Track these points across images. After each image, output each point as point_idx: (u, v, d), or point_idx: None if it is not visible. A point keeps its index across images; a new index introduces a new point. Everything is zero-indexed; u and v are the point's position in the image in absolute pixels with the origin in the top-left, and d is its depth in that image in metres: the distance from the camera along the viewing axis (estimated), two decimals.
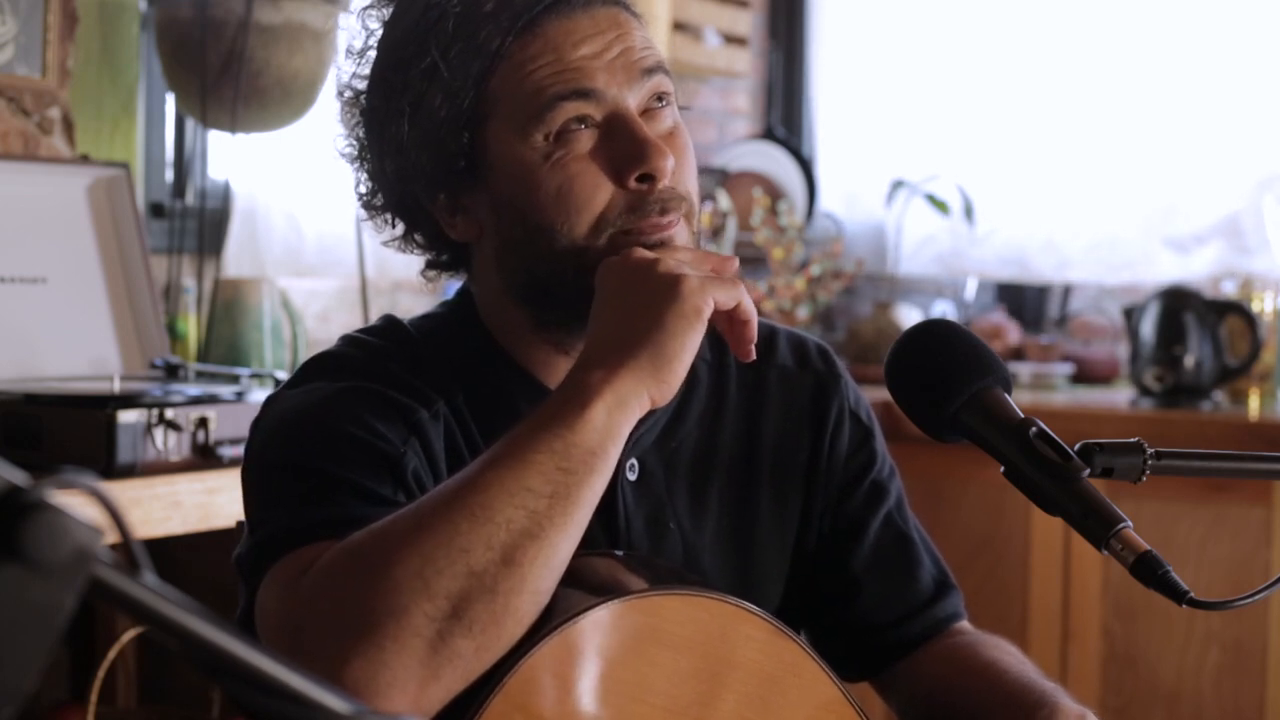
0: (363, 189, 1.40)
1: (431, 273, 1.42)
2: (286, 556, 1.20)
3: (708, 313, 1.23)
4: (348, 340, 1.40)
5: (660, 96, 1.32)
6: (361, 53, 1.37)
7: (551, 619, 1.17)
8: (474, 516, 1.14)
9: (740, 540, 1.44)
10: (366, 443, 1.26)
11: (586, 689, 1.17)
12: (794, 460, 1.47)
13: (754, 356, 1.28)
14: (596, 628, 1.17)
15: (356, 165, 1.40)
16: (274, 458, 1.29)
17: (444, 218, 1.36)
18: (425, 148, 1.32)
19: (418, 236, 1.40)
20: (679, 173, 1.31)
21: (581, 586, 1.21)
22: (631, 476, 1.38)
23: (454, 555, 1.13)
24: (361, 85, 1.37)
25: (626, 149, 1.29)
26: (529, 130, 1.29)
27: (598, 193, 1.29)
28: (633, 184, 1.29)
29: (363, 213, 1.42)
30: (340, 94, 1.39)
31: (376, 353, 1.36)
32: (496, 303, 1.38)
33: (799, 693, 1.27)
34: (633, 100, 1.30)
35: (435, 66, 1.30)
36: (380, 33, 1.36)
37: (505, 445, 1.18)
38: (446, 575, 1.12)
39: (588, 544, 1.21)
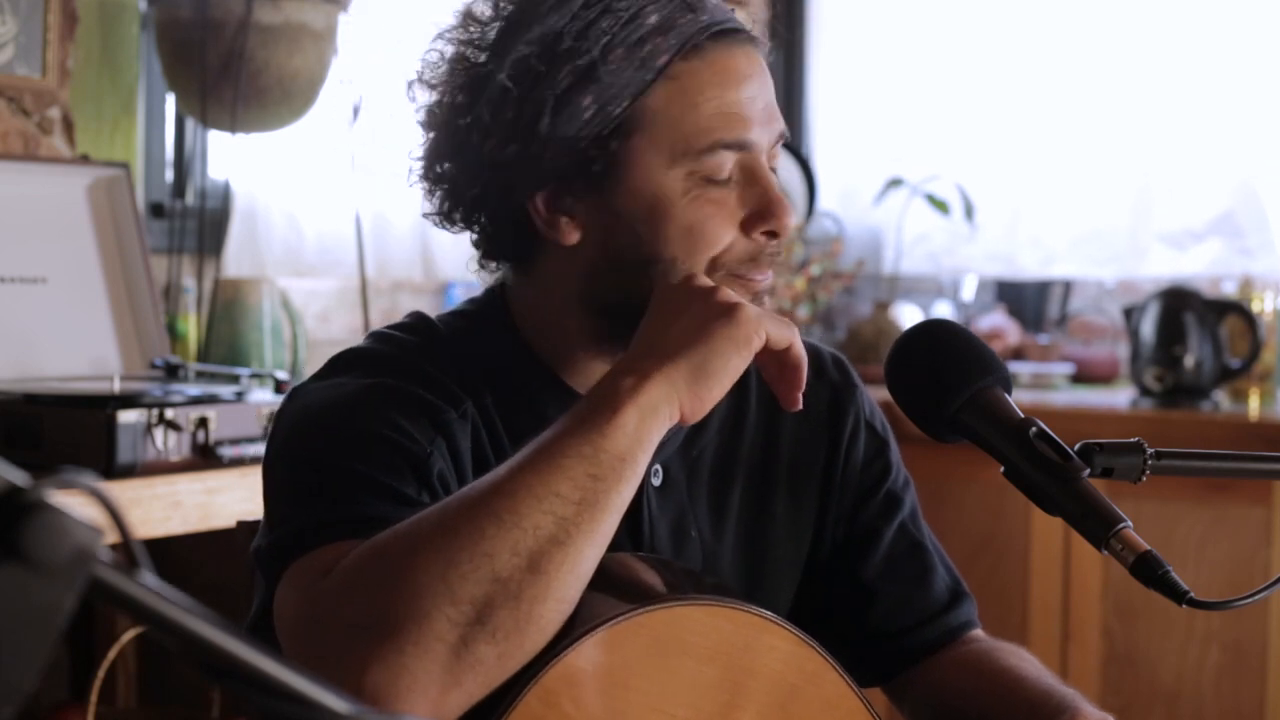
0: (422, 154, 1.34)
1: (491, 264, 1.38)
2: (307, 555, 1.19)
3: (758, 344, 1.22)
4: (377, 336, 1.37)
5: (774, 161, 1.33)
6: (497, 20, 1.31)
7: (574, 627, 1.15)
8: (500, 521, 1.13)
9: (755, 547, 1.44)
10: (393, 441, 1.24)
11: (607, 699, 1.16)
12: (810, 469, 1.47)
13: (801, 405, 1.27)
14: (618, 637, 1.16)
15: (437, 132, 1.33)
16: (298, 452, 1.28)
17: (540, 213, 1.31)
18: (559, 144, 1.28)
19: (482, 218, 1.35)
20: None
21: (606, 591, 1.20)
22: (656, 482, 1.38)
23: (479, 560, 1.11)
24: (481, 56, 1.31)
25: (761, 204, 1.30)
26: (678, 162, 1.28)
27: (723, 237, 1.29)
28: (757, 236, 1.30)
29: (413, 179, 1.36)
30: (450, 56, 1.32)
31: (407, 350, 1.34)
32: (554, 306, 1.35)
33: (820, 702, 1.26)
34: (765, 154, 1.32)
35: (593, 67, 1.27)
36: (523, 11, 1.30)
37: (534, 450, 1.17)
38: (471, 580, 1.11)
39: (612, 549, 1.20)
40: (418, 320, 1.39)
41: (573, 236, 1.32)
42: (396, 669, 1.09)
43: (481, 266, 1.39)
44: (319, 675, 1.13)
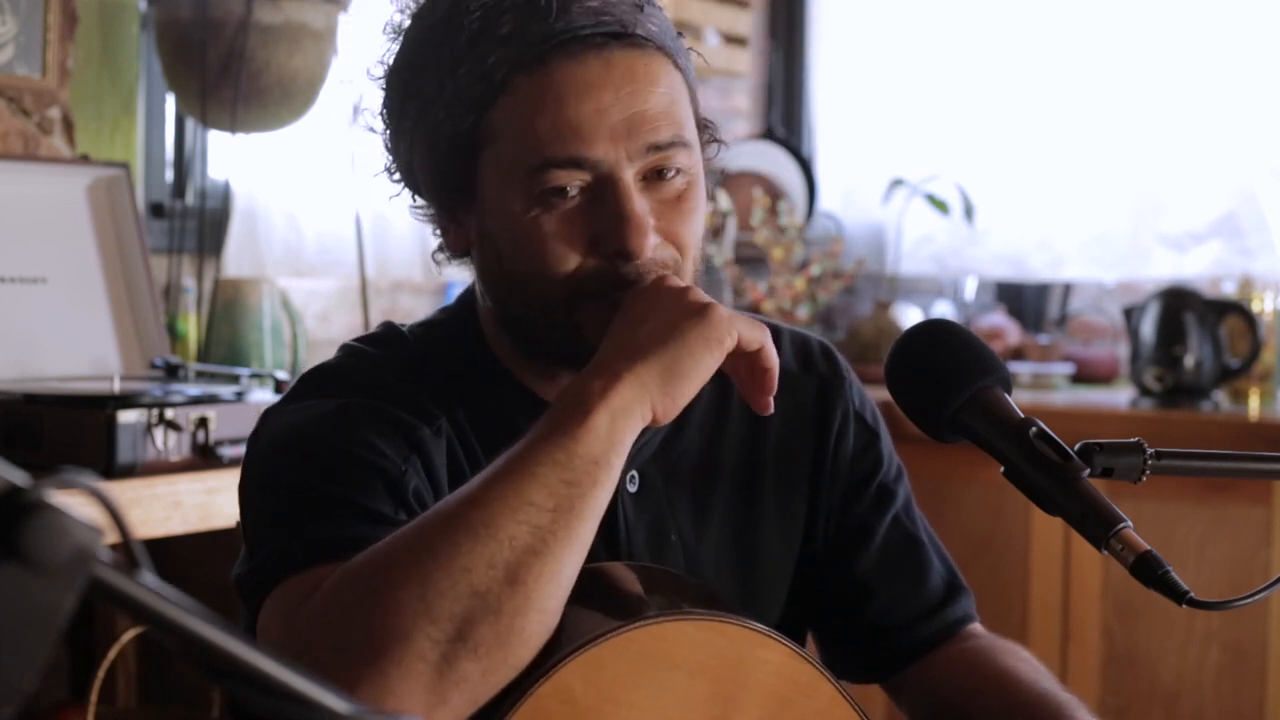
0: (385, 156, 1.37)
1: (441, 256, 1.38)
2: (289, 580, 1.18)
3: (729, 344, 1.20)
4: (347, 351, 1.37)
5: (667, 170, 1.26)
6: (397, 31, 1.33)
7: (563, 643, 1.14)
8: (475, 534, 1.11)
9: (743, 548, 1.43)
10: (367, 461, 1.23)
11: (598, 716, 1.15)
12: (798, 464, 1.45)
13: (772, 409, 1.25)
14: (608, 653, 1.15)
15: (383, 135, 1.36)
16: (273, 476, 1.27)
17: (440, 221, 1.34)
18: (426, 156, 1.30)
19: (429, 213, 1.37)
20: (676, 237, 1.27)
21: (595, 605, 1.19)
22: (632, 489, 1.36)
23: (456, 576, 1.10)
24: (388, 65, 1.33)
25: (607, 223, 1.24)
26: (517, 179, 1.25)
27: (568, 260, 1.25)
28: (608, 255, 1.25)
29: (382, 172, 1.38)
30: (372, 67, 1.35)
31: (377, 365, 1.34)
32: (489, 315, 1.36)
33: (814, 714, 1.25)
34: (631, 169, 1.25)
35: (444, 82, 1.26)
36: (409, 22, 1.31)
37: (507, 460, 1.16)
38: (449, 597, 1.10)
39: (588, 559, 1.18)
40: (387, 332, 1.38)
41: (463, 246, 1.33)
42: (381, 691, 1.08)
43: (435, 261, 1.39)
44: None
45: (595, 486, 1.16)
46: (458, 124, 1.26)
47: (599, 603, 1.20)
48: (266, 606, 1.19)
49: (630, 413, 1.17)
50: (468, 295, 1.40)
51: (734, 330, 1.21)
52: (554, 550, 1.13)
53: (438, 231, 1.37)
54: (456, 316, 1.39)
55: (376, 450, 1.24)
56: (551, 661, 1.13)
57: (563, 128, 1.23)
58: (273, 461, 1.28)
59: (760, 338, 1.23)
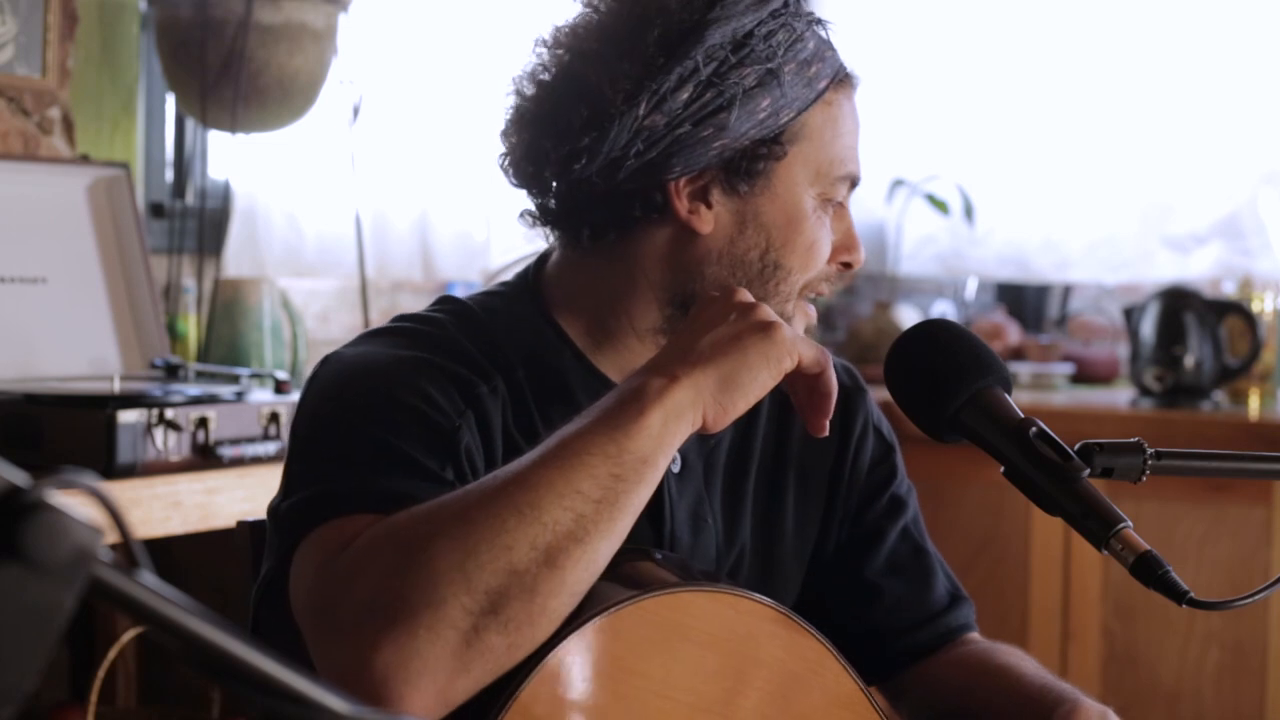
0: (545, 97, 1.32)
1: (549, 229, 1.37)
2: (328, 524, 1.20)
3: (789, 365, 1.23)
4: (404, 317, 1.38)
5: None
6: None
7: (579, 612, 1.17)
8: (521, 514, 1.14)
9: (766, 541, 1.46)
10: (421, 413, 1.25)
11: (611, 684, 1.18)
12: (819, 467, 1.50)
13: (828, 431, 1.29)
14: (622, 622, 1.18)
15: (580, 83, 1.30)
16: (326, 417, 1.29)
17: (678, 196, 1.32)
18: (730, 137, 1.31)
19: (594, 181, 1.31)
20: None
21: (610, 576, 1.21)
22: (675, 469, 1.39)
23: (497, 552, 1.13)
24: (661, 31, 1.30)
25: (848, 238, 1.40)
26: (816, 182, 1.37)
27: (825, 259, 1.38)
28: (838, 264, 1.39)
29: (498, 139, 1.36)
30: (629, 17, 1.31)
31: (439, 325, 1.35)
32: (620, 287, 1.35)
33: (820, 690, 1.28)
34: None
35: (775, 74, 1.33)
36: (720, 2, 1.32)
37: (558, 443, 1.18)
38: (488, 571, 1.12)
39: (633, 537, 1.21)
40: (448, 300, 1.40)
41: (706, 226, 1.34)
42: (408, 651, 1.10)
43: (535, 222, 1.36)
44: (330, 650, 1.15)
45: (640, 484, 1.18)
46: (779, 116, 1.34)
47: (612, 575, 1.21)
48: (302, 550, 1.21)
49: (683, 416, 1.20)
50: (528, 273, 1.41)
51: (795, 351, 1.24)
52: (593, 539, 1.16)
53: (589, 189, 1.31)
54: (517, 289, 1.41)
55: (432, 403, 1.26)
56: (567, 629, 1.16)
57: (851, 146, 1.41)
58: (328, 400, 1.30)
59: (823, 362, 1.26)
